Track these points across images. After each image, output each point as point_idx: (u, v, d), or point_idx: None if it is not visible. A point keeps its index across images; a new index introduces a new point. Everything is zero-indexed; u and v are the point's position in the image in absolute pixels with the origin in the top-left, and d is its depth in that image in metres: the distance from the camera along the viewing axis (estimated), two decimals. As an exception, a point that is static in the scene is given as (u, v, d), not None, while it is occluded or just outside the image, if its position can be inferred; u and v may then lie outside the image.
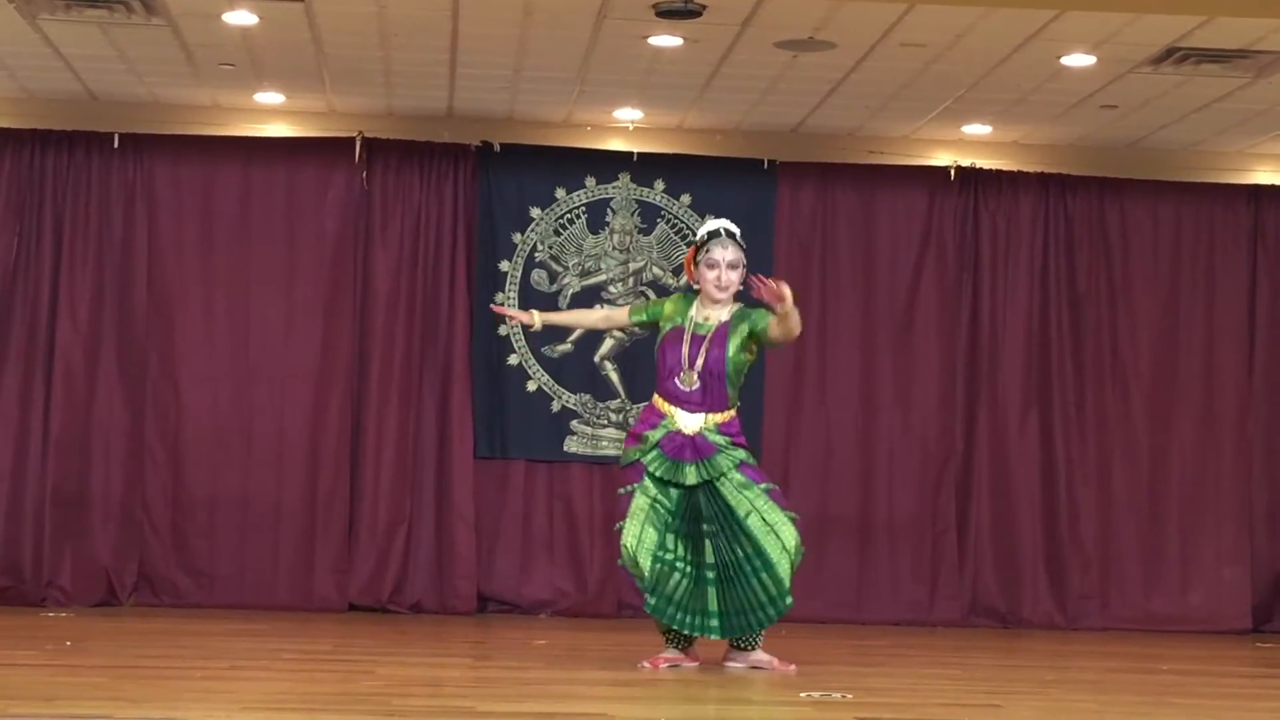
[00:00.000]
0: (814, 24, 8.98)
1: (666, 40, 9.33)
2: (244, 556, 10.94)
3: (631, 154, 11.29)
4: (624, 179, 11.26)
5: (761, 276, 7.56)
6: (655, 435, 7.73)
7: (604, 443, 11.16)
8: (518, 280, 11.18)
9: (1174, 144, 11.34)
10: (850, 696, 6.92)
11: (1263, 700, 7.67)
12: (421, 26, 9.23)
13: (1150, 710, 6.97)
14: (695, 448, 7.68)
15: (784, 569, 7.67)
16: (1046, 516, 11.37)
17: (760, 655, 7.82)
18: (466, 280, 11.15)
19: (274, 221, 11.10)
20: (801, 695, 6.91)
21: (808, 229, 11.38)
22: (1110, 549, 11.41)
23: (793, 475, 11.21)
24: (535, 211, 11.23)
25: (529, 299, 11.15)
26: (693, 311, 7.79)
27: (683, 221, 11.22)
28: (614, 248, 11.23)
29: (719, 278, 7.75)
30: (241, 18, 9.10)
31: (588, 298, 11.19)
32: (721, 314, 7.79)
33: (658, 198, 11.25)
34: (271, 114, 11.15)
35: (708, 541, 7.69)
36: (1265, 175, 11.67)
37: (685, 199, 11.26)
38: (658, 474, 7.70)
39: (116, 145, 10.95)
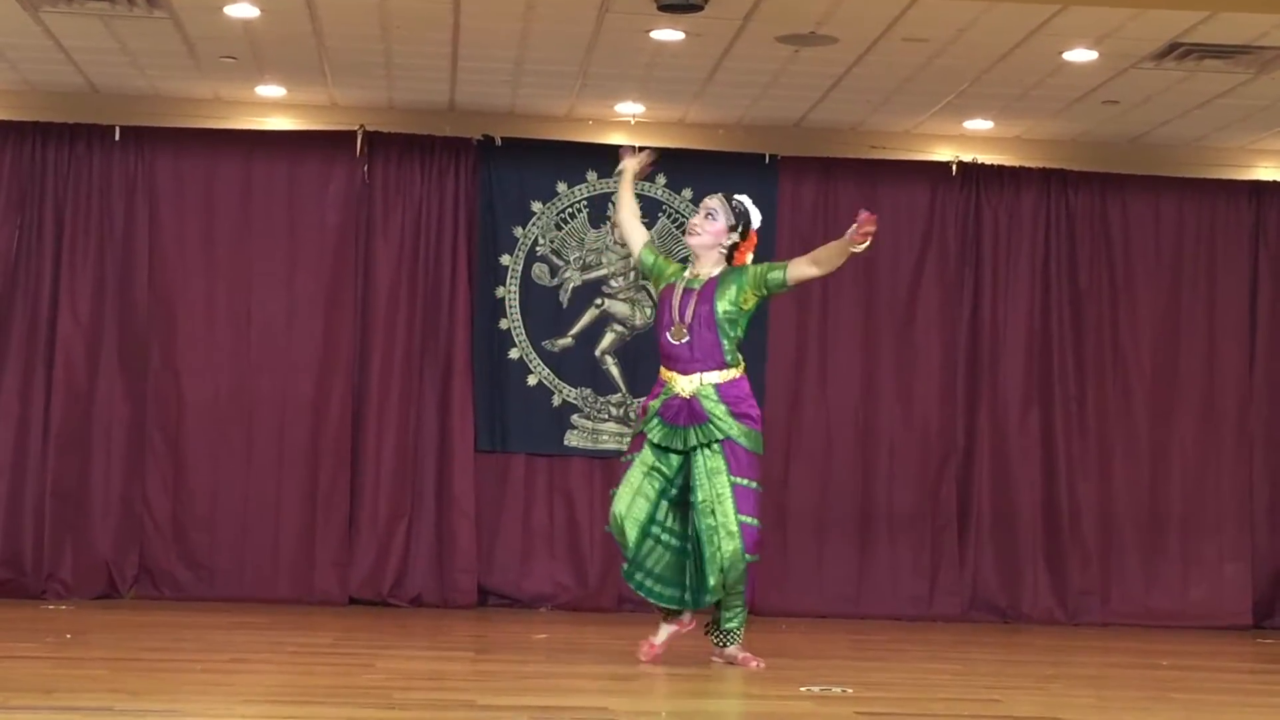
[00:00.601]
0: (816, 19, 8.98)
1: (668, 34, 9.33)
2: (244, 550, 10.94)
3: (633, 148, 11.25)
4: (625, 173, 11.24)
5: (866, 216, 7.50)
6: (656, 405, 7.74)
7: (604, 437, 11.16)
8: (519, 274, 11.18)
9: (1176, 140, 11.34)
10: (850, 691, 6.92)
11: (1263, 696, 7.67)
12: (423, 19, 9.22)
13: (1150, 706, 6.97)
14: (691, 411, 7.64)
15: (711, 576, 7.58)
16: (1047, 512, 11.37)
17: (731, 651, 7.79)
18: (468, 274, 11.15)
19: (275, 215, 11.09)
20: (801, 690, 6.91)
21: (809, 224, 11.37)
22: (1111, 544, 11.41)
23: (793, 470, 11.22)
24: (536, 205, 11.22)
25: (530, 293, 11.16)
26: (687, 271, 7.88)
27: (684, 216, 11.20)
28: (615, 242, 11.23)
29: (693, 222, 7.90)
30: (243, 10, 9.10)
31: (588, 292, 11.19)
32: (711, 270, 7.81)
33: (659, 192, 11.25)
34: (273, 107, 11.14)
35: (687, 511, 7.72)
36: (1267, 171, 11.66)
37: (686, 193, 11.26)
38: (656, 440, 7.69)
39: (118, 138, 10.95)
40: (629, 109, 11.07)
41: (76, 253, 10.89)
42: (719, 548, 7.56)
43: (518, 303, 11.18)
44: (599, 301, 11.22)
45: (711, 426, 7.62)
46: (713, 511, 7.60)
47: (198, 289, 11.02)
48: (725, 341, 7.69)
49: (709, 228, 7.81)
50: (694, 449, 7.64)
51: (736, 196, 7.92)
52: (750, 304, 7.77)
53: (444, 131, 11.18)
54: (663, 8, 8.73)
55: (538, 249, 11.21)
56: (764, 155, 11.30)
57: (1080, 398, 11.44)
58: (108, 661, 7.44)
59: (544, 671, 7.48)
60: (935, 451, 11.35)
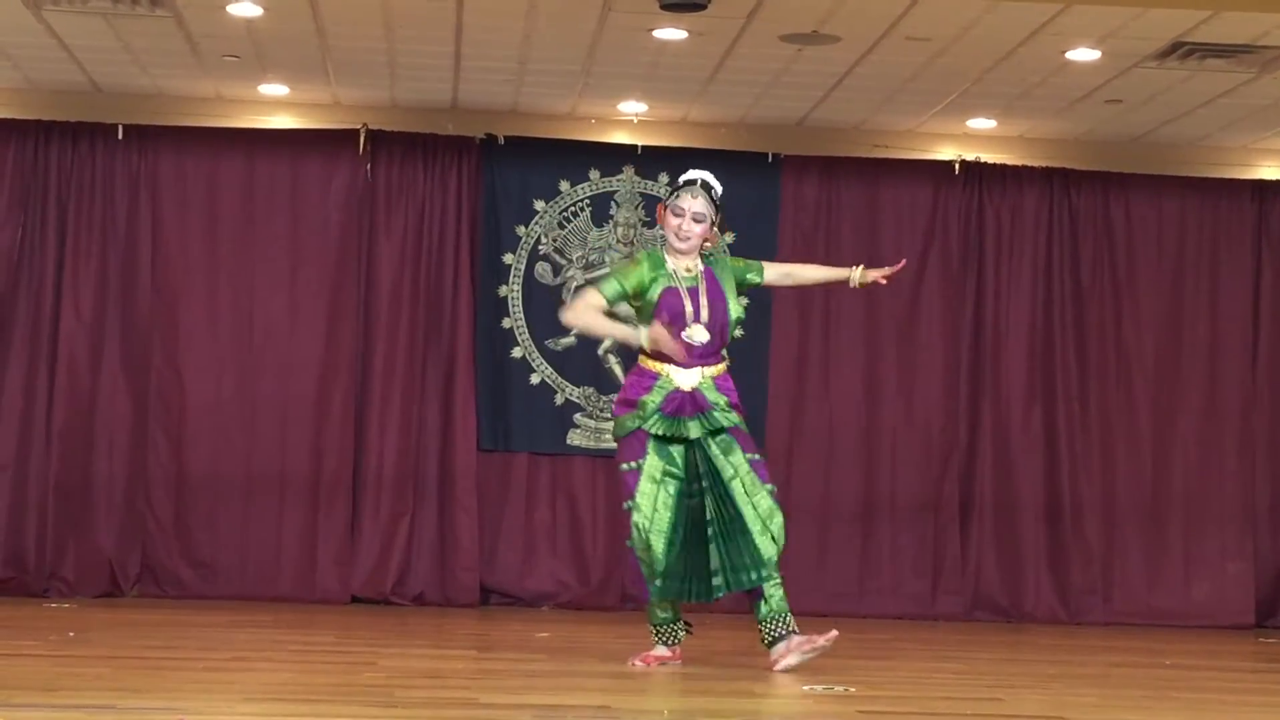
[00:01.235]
0: (819, 17, 8.98)
1: (671, 33, 9.33)
2: (246, 548, 10.95)
3: (636, 147, 11.29)
4: (628, 172, 11.26)
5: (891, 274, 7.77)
6: (653, 399, 7.49)
7: (607, 436, 11.14)
8: (521, 273, 11.19)
9: (1179, 139, 11.34)
10: (852, 690, 6.92)
11: (1265, 695, 7.66)
12: (426, 18, 9.23)
13: (1153, 705, 6.97)
14: (695, 402, 7.48)
15: (766, 546, 7.43)
16: (1049, 510, 11.37)
17: (796, 639, 7.50)
18: (470, 273, 11.15)
19: (278, 214, 11.10)
20: (804, 689, 6.91)
21: (812, 223, 11.37)
22: (1113, 543, 11.41)
23: (796, 467, 11.22)
24: (539, 204, 11.23)
25: (532, 291, 11.17)
26: (670, 266, 7.53)
27: (687, 215, 11.20)
28: (618, 241, 11.23)
29: (680, 226, 7.49)
30: (245, 9, 9.10)
31: (591, 291, 11.19)
32: (696, 262, 7.55)
33: (662, 191, 11.25)
34: (276, 106, 11.15)
35: (706, 498, 7.54)
36: (1270, 170, 11.66)
37: (689, 192, 11.24)
38: (660, 432, 7.48)
39: (121, 137, 10.96)
40: (632, 108, 11.08)
41: (79, 251, 10.90)
42: (769, 518, 7.45)
43: (520, 301, 11.18)
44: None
45: (716, 415, 7.53)
46: (743, 486, 7.48)
47: (200, 287, 11.03)
48: (729, 338, 7.66)
49: (697, 230, 7.52)
50: (700, 438, 7.53)
51: (710, 183, 7.57)
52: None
53: (447, 130, 11.19)
54: (665, 6, 8.73)
55: (540, 248, 11.21)
56: (767, 154, 11.31)
57: (1083, 396, 11.44)
58: (110, 659, 7.45)
59: (546, 670, 7.47)
60: (937, 449, 11.35)
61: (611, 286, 7.51)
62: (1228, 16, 8.68)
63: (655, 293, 7.49)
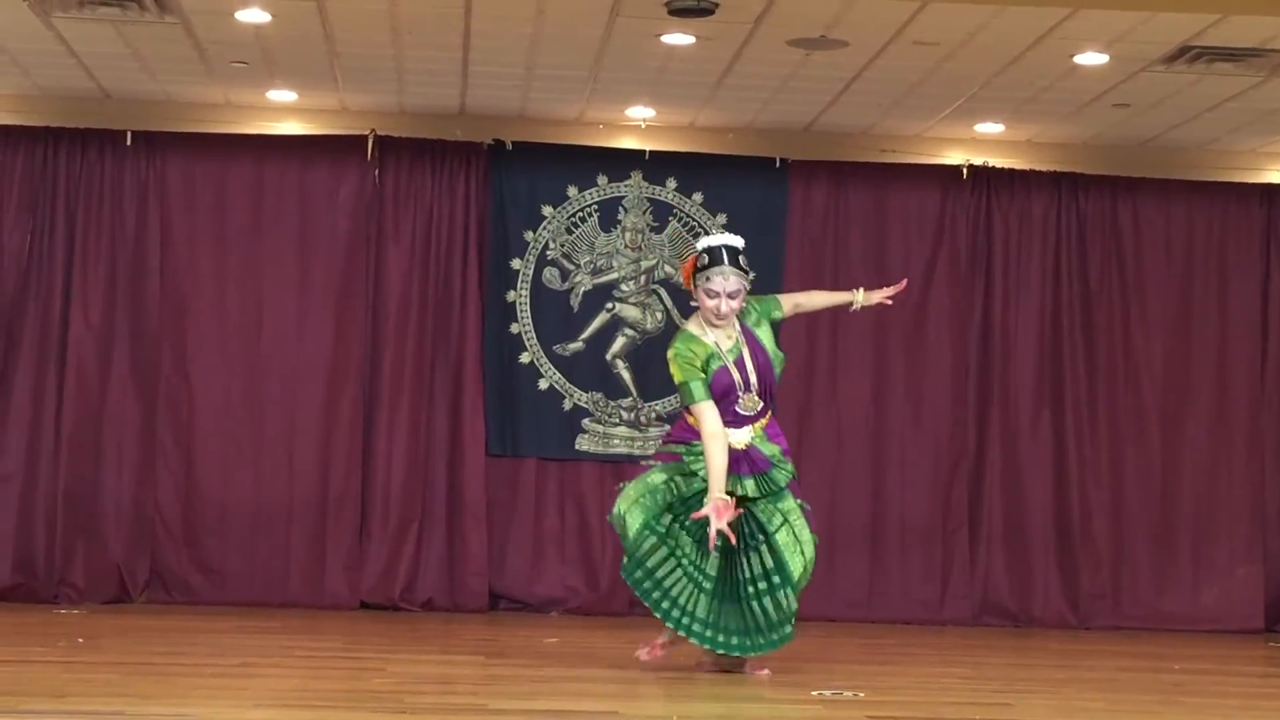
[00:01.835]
0: (826, 22, 8.98)
1: (679, 38, 9.33)
2: (255, 554, 10.95)
3: (644, 152, 11.29)
4: (636, 177, 11.26)
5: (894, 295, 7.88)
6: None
7: (615, 441, 11.17)
8: (529, 278, 11.19)
9: (1187, 143, 11.33)
10: (862, 695, 6.92)
11: (1275, 700, 7.66)
12: (434, 24, 9.23)
13: (1161, 710, 6.97)
14: (751, 461, 7.55)
15: (795, 591, 7.53)
16: (1058, 515, 11.36)
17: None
18: (478, 278, 11.16)
19: (286, 220, 11.11)
20: (813, 694, 6.91)
21: (819, 228, 11.37)
22: (1122, 548, 11.40)
23: (804, 474, 11.09)
24: (547, 209, 11.23)
25: (540, 297, 11.16)
26: (711, 341, 7.58)
27: (695, 220, 11.22)
28: (626, 246, 11.23)
29: (718, 308, 7.56)
30: (254, 15, 9.11)
31: (599, 296, 11.19)
32: (734, 327, 7.62)
33: (670, 196, 11.25)
34: (284, 112, 11.16)
35: (725, 557, 7.52)
36: (1278, 174, 11.65)
37: (697, 197, 11.26)
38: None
39: (129, 143, 10.97)
40: (640, 113, 11.08)
41: (88, 257, 10.91)
42: (806, 560, 7.53)
43: (529, 307, 11.18)
44: (610, 306, 11.22)
45: (773, 476, 7.56)
46: (792, 532, 7.54)
47: (209, 293, 11.04)
48: (777, 388, 7.72)
49: (734, 305, 7.57)
50: (756, 499, 7.56)
51: (735, 249, 7.61)
52: None
53: (455, 136, 11.19)
54: (673, 12, 8.73)
55: (548, 253, 11.22)
56: (774, 159, 11.30)
57: (1091, 401, 11.43)
58: (119, 665, 7.46)
59: (555, 676, 7.48)
60: (946, 455, 11.34)
61: (700, 390, 7.51)
62: (1236, 20, 8.68)
63: (711, 371, 7.54)
